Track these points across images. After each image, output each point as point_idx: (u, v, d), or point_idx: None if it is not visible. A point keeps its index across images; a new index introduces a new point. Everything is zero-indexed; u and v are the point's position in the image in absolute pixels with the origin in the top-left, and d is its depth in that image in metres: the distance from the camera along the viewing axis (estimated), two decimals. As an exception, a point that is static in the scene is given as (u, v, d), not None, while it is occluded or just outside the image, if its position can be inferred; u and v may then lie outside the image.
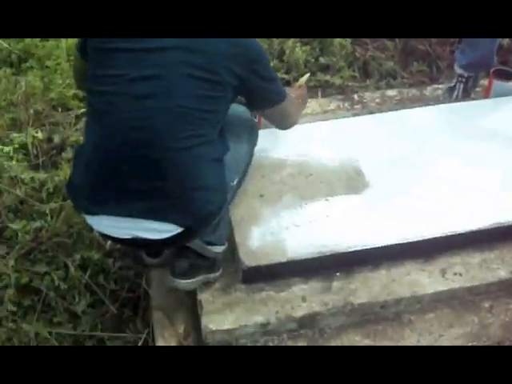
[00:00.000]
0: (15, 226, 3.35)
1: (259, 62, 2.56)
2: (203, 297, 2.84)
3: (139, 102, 2.39)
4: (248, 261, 2.82)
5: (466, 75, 3.87)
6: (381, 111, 3.76)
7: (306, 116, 3.56)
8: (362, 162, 3.24)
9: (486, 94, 3.80)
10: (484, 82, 3.94)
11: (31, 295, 3.20)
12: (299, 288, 2.85)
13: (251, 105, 2.81)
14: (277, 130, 3.04)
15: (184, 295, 2.96)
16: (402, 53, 4.69)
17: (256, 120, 3.16)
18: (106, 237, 2.79)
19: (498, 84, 3.72)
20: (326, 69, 4.53)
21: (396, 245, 2.90)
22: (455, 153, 3.28)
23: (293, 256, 2.84)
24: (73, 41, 4.15)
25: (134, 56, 2.39)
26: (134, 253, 3.23)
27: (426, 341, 2.79)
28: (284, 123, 2.98)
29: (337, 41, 4.54)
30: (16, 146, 3.77)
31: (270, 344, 2.79)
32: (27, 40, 4.48)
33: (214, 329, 2.73)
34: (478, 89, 3.97)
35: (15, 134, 3.83)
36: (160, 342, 2.83)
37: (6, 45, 4.49)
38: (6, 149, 3.71)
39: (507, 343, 2.78)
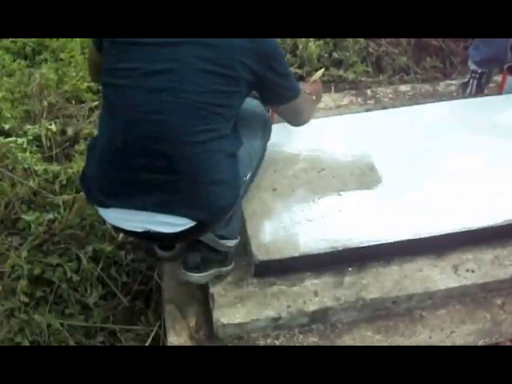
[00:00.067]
0: (28, 217, 3.37)
1: (275, 57, 2.54)
2: (215, 290, 2.84)
3: (153, 95, 2.38)
4: (260, 255, 2.82)
5: (479, 71, 3.86)
6: (394, 106, 3.75)
7: (319, 111, 3.56)
8: (374, 158, 3.23)
9: (500, 90, 3.79)
10: (497, 78, 3.94)
11: (43, 286, 3.21)
12: (311, 283, 2.86)
13: (265, 100, 2.80)
14: (290, 124, 3.04)
15: (196, 288, 2.97)
16: (416, 48, 4.69)
17: (269, 114, 3.15)
18: (118, 229, 2.78)
19: (511, 80, 3.71)
20: (339, 64, 4.53)
21: (408, 240, 2.90)
22: (468, 149, 3.27)
23: (305, 250, 2.84)
24: (87, 33, 4.16)
25: (147, 50, 2.38)
26: (147, 246, 3.24)
27: (437, 337, 2.79)
28: (297, 120, 2.97)
29: (350, 36, 4.53)
30: (30, 137, 3.78)
31: (282, 338, 2.80)
32: (42, 32, 4.49)
33: (225, 322, 2.75)
34: (491, 85, 3.97)
35: (29, 126, 3.84)
36: (171, 335, 2.84)
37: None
38: (20, 140, 3.72)
39: (519, 340, 2.79)
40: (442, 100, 3.76)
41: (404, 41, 4.67)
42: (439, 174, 3.15)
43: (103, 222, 3.09)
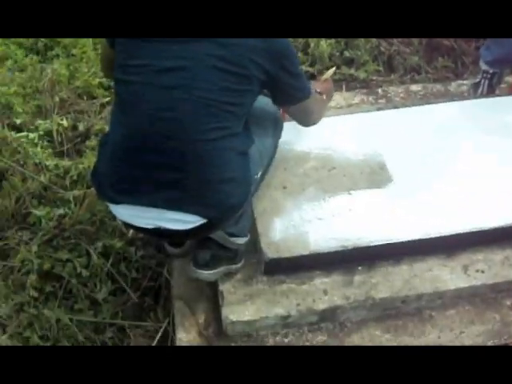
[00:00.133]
0: (39, 212, 3.38)
1: (287, 56, 2.53)
2: (225, 287, 2.85)
3: (165, 92, 2.38)
4: (270, 253, 2.83)
5: (491, 71, 3.86)
6: (405, 106, 3.73)
7: (330, 109, 3.55)
8: (385, 157, 3.23)
9: (511, 90, 3.79)
10: (509, 78, 3.94)
11: (53, 282, 3.23)
12: (321, 281, 2.86)
13: (275, 100, 2.78)
14: (301, 122, 3.03)
15: (205, 285, 2.97)
16: (427, 48, 4.68)
17: (281, 113, 3.15)
18: (128, 226, 2.78)
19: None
20: (350, 62, 4.53)
21: (418, 240, 2.89)
22: (479, 149, 3.26)
23: (315, 249, 2.84)
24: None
25: (158, 47, 2.38)
26: (157, 242, 3.25)
27: (446, 337, 2.78)
28: (306, 120, 2.95)
29: (362, 35, 4.53)
30: (41, 132, 3.80)
31: (291, 336, 2.80)
32: (54, 28, 4.51)
33: (234, 320, 2.75)
34: (502, 85, 3.96)
35: (40, 121, 3.86)
36: (180, 332, 2.85)
37: (32, 33, 4.51)
38: (31, 135, 3.74)
39: (528, 342, 2.78)
40: (454, 100, 3.74)
41: (416, 40, 4.67)
42: (450, 174, 3.14)
43: (113, 217, 3.09)
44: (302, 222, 2.94)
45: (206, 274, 2.82)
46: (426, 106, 3.62)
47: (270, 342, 2.79)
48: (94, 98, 4.14)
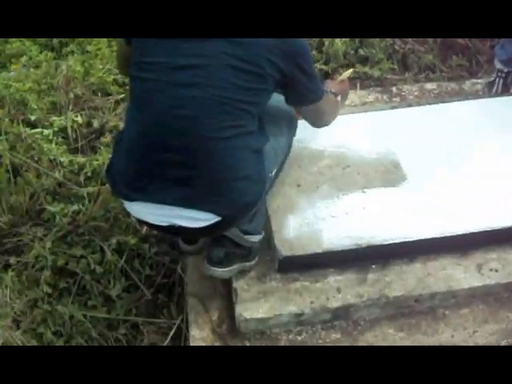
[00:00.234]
0: (53, 208, 3.39)
1: (302, 55, 2.52)
2: (238, 285, 2.85)
3: (180, 90, 2.38)
4: (284, 250, 2.83)
5: (505, 70, 3.84)
6: (419, 104, 3.73)
7: (345, 107, 3.55)
8: (399, 155, 3.23)
9: (526, 89, 3.78)
10: (524, 77, 3.92)
11: (67, 278, 3.24)
12: (334, 279, 2.86)
13: (288, 100, 2.76)
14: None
15: (219, 282, 2.98)
16: (442, 46, 4.66)
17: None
18: (143, 223, 2.80)
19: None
20: (365, 60, 4.51)
21: (432, 239, 2.89)
22: (494, 148, 3.25)
23: (329, 247, 2.85)
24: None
25: (173, 44, 2.38)
26: (171, 239, 3.25)
27: (460, 336, 2.78)
28: (318, 121, 2.95)
29: (376, 33, 4.51)
30: (56, 129, 3.80)
31: (304, 334, 2.80)
32: (69, 25, 4.52)
33: (248, 317, 2.76)
34: (517, 84, 3.95)
35: (55, 118, 3.86)
36: (194, 329, 2.85)
37: (47, 29, 4.52)
38: (46, 132, 3.74)
39: (542, 341, 2.78)
40: (468, 99, 3.74)
41: (430, 39, 4.65)
42: (464, 173, 3.14)
43: (127, 214, 3.09)
44: (315, 219, 2.94)
45: (220, 272, 2.83)
46: (441, 105, 3.62)
47: (284, 339, 2.80)
48: (109, 94, 4.14)
